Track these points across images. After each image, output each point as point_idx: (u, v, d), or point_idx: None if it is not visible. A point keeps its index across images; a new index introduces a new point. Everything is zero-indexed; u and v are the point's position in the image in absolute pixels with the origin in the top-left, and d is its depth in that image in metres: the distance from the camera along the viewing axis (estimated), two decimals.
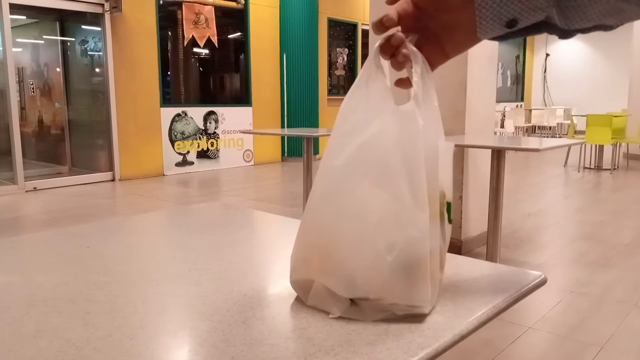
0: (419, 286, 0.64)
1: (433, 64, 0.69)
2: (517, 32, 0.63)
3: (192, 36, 8.06)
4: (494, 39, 0.66)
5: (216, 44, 8.36)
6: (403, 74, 0.69)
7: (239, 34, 8.88)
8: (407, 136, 0.65)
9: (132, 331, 0.58)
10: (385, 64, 0.67)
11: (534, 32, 0.66)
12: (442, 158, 0.69)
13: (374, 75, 0.67)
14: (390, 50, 0.66)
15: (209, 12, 8.16)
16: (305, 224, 0.68)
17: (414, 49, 0.67)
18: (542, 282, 0.75)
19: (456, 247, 3.71)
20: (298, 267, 0.69)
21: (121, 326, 0.60)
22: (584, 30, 0.65)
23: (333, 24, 10.06)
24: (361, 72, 0.67)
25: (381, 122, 0.65)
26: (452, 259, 0.83)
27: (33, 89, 8.47)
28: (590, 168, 8.10)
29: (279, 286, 0.74)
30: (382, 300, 0.63)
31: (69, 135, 8.06)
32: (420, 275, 0.64)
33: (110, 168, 7.31)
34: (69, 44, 8.00)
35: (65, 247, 0.93)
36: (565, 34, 0.65)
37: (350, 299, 0.64)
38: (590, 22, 0.62)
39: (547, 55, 16.47)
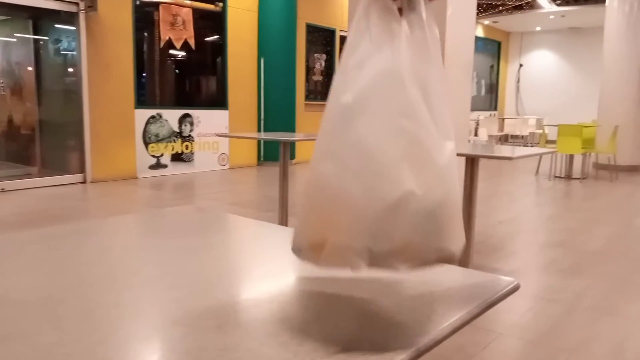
0: (451, 226, 0.59)
1: None
2: None
3: (169, 38, 7.99)
4: None
5: (193, 46, 8.30)
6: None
7: (216, 36, 8.83)
8: (421, 62, 0.61)
9: (104, 336, 0.57)
10: None
11: None
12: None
13: (374, 3, 0.62)
14: None
15: (186, 14, 8.10)
16: (314, 180, 0.62)
17: None
18: (515, 289, 0.76)
19: None
20: (304, 231, 0.64)
21: (92, 331, 0.58)
22: None
23: (311, 29, 10.08)
24: (359, 8, 0.64)
25: (392, 50, 0.61)
26: None
27: (3, 87, 8.28)
28: (560, 177, 8.26)
29: (255, 291, 0.74)
30: (410, 248, 0.58)
31: (39, 135, 7.89)
32: (453, 213, 0.59)
33: (82, 170, 7.17)
34: (42, 42, 7.84)
35: (35, 250, 0.91)
36: None
37: (371, 254, 0.58)
38: None
39: (521, 65, 16.79)
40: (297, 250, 0.66)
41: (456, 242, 0.59)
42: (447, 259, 0.60)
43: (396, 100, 0.60)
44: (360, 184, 0.58)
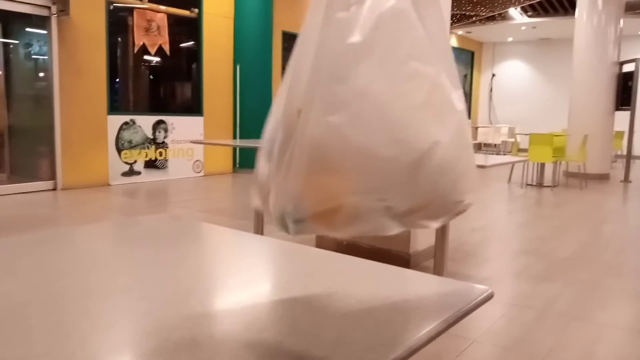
0: (470, 175, 0.56)
1: None
2: None
3: (143, 43, 7.90)
4: None
5: (168, 52, 8.23)
6: None
7: (191, 42, 8.77)
8: (422, 2, 0.57)
9: (73, 349, 0.56)
10: None
11: None
12: None
13: None
14: None
15: (161, 20, 8.03)
16: (322, 135, 0.54)
17: None
18: (489, 297, 0.76)
19: (404, 260, 3.77)
20: (309, 198, 0.55)
21: (62, 343, 0.57)
22: None
23: (288, 37, 10.10)
24: None
25: None
26: (402, 274, 0.84)
27: None
28: (532, 185, 8.42)
29: (229, 301, 0.73)
30: (433, 203, 0.54)
31: (8, 141, 7.71)
32: (471, 161, 0.56)
33: (52, 176, 7.02)
34: (11, 46, 7.68)
35: (1, 259, 0.88)
36: None
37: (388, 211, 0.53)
38: None
39: (493, 75, 17.10)
40: (298, 221, 0.57)
41: (473, 191, 0.56)
42: (464, 211, 0.57)
43: (407, 42, 0.55)
44: (383, 135, 0.53)
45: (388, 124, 0.53)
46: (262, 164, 0.67)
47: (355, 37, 0.54)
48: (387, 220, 0.55)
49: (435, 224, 0.58)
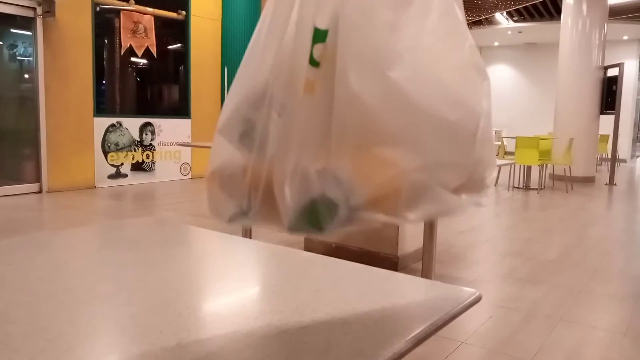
0: (493, 147, 0.51)
1: None
2: None
3: (130, 45, 7.85)
4: None
5: (155, 54, 8.19)
6: None
7: (179, 45, 8.73)
8: None
9: (57, 355, 0.55)
10: None
11: None
12: None
13: None
14: None
15: (148, 22, 7.99)
16: (384, 93, 0.44)
17: None
18: (477, 300, 0.77)
19: (392, 263, 3.77)
20: (364, 179, 0.45)
21: (45, 350, 0.56)
22: None
23: None
24: None
25: None
26: (390, 276, 0.83)
27: None
28: (519, 187, 8.48)
29: (216, 306, 0.72)
30: (474, 176, 0.49)
31: None
32: (492, 134, 0.51)
33: (38, 179, 6.94)
34: None
35: None
36: None
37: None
38: None
39: None
40: (353, 209, 0.45)
41: (493, 168, 0.50)
42: (488, 188, 0.50)
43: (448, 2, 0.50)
44: (443, 95, 0.45)
45: (445, 83, 0.46)
46: (227, 150, 0.57)
47: None
48: (452, 197, 0.47)
49: (474, 202, 0.51)
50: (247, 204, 0.55)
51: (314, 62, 0.50)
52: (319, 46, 0.50)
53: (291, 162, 0.48)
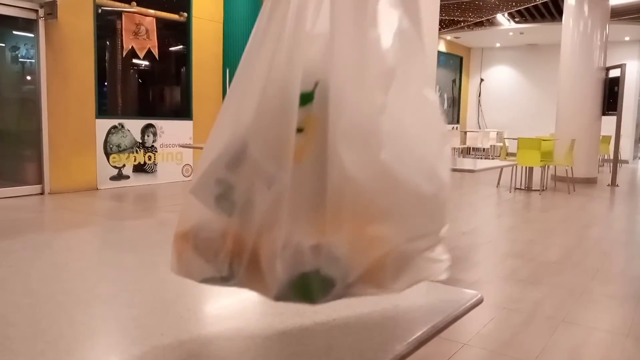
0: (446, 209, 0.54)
1: None
2: None
3: (132, 47, 7.86)
4: None
5: (157, 56, 8.20)
6: None
7: (180, 46, 8.74)
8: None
9: (57, 357, 0.55)
10: None
11: None
12: None
13: None
14: None
15: (150, 24, 8.00)
16: (376, 174, 0.46)
17: None
18: (479, 302, 0.76)
19: None
20: (357, 255, 0.46)
21: (44, 352, 0.56)
22: None
23: None
24: None
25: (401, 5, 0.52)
26: None
27: None
28: (520, 189, 8.47)
29: (217, 307, 0.72)
30: (434, 235, 0.52)
31: None
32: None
33: (40, 181, 6.95)
34: None
35: None
36: None
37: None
38: None
39: (482, 80, 17.21)
40: (348, 285, 0.47)
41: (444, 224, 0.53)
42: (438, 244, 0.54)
43: (417, 66, 0.51)
44: (422, 170, 0.48)
45: (423, 158, 0.49)
46: (201, 211, 0.55)
47: (389, 60, 0.49)
48: (429, 264, 0.51)
49: (444, 257, 0.55)
50: (229, 271, 0.53)
51: (298, 129, 0.50)
52: (300, 110, 0.50)
53: (282, 235, 0.48)
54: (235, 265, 0.53)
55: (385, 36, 0.51)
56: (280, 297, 0.51)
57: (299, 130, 0.50)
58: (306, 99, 0.50)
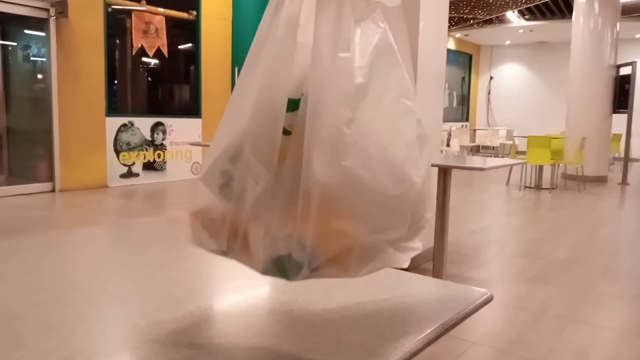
0: (430, 193, 0.63)
1: None
2: None
3: (141, 45, 7.90)
4: None
5: (166, 54, 8.23)
6: None
7: (189, 45, 8.77)
8: (396, 37, 0.61)
9: (70, 353, 0.55)
10: None
11: None
12: None
13: None
14: None
15: (159, 22, 8.03)
16: (340, 179, 0.54)
17: None
18: (489, 300, 0.76)
19: None
20: (321, 243, 0.55)
21: (57, 348, 0.56)
22: None
23: None
24: None
25: (378, 20, 0.59)
26: (401, 276, 0.83)
27: None
28: (530, 187, 8.42)
29: (227, 304, 0.72)
30: (412, 229, 0.60)
31: (7, 143, 7.69)
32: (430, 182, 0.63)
33: (51, 178, 7.01)
34: (10, 48, 7.67)
35: None
36: None
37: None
38: None
39: (491, 78, 17.12)
40: (313, 269, 0.56)
41: (430, 209, 0.61)
42: (421, 232, 0.62)
43: (395, 79, 0.58)
44: (390, 175, 0.56)
45: (392, 162, 0.56)
46: (208, 197, 0.65)
47: (359, 78, 0.55)
48: (394, 253, 0.59)
49: (415, 245, 0.63)
50: (227, 246, 0.64)
51: (285, 131, 0.58)
52: (290, 115, 0.58)
53: (264, 224, 0.58)
54: (231, 242, 0.63)
55: (361, 54, 0.58)
56: (265, 272, 0.60)
57: (287, 132, 0.58)
58: (294, 105, 0.58)
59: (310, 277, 0.57)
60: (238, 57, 9.11)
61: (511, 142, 9.28)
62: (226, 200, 0.62)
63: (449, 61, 14.14)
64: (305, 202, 0.55)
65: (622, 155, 10.01)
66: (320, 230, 0.54)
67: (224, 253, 0.65)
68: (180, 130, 8.45)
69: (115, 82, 7.88)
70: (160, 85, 8.96)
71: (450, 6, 8.22)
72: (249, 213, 0.59)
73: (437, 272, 3.23)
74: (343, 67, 0.55)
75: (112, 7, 7.46)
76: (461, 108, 16.80)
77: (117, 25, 7.67)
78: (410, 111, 0.58)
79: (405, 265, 0.60)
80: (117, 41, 7.81)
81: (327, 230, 0.54)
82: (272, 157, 0.57)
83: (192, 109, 8.81)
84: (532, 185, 8.47)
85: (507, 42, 16.48)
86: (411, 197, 0.58)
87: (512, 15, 12.99)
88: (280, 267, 0.58)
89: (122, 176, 7.72)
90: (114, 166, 7.59)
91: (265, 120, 0.58)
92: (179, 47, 8.75)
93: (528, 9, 12.21)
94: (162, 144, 8.22)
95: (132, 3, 7.69)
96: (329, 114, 0.55)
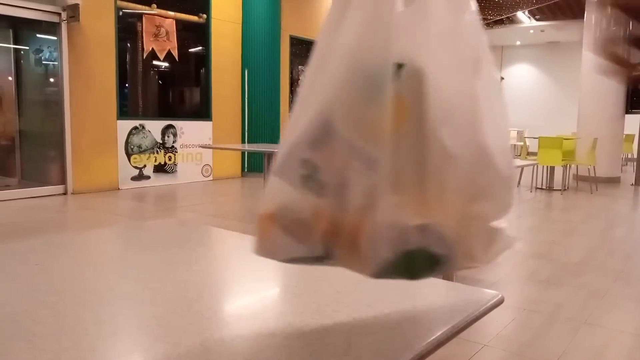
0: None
1: None
2: None
3: (152, 49, 7.95)
4: None
5: (177, 57, 8.27)
6: None
7: (200, 48, 8.81)
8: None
9: (82, 354, 0.56)
10: None
11: None
12: None
13: None
14: None
15: (169, 25, 8.08)
16: (471, 151, 0.49)
17: None
18: (500, 302, 0.76)
19: None
20: (460, 234, 0.49)
21: (69, 349, 0.57)
22: None
23: (295, 41, 10.12)
24: None
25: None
26: None
27: None
28: (541, 188, 8.36)
29: (238, 306, 0.73)
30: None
31: (19, 146, 7.77)
32: None
33: (63, 181, 7.07)
34: (22, 52, 7.76)
35: (11, 264, 0.89)
36: None
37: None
38: None
39: (502, 78, 17.04)
40: (453, 263, 0.50)
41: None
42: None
43: (487, 51, 0.55)
44: (506, 153, 0.53)
45: (502, 138, 0.53)
46: (286, 192, 0.55)
47: (476, 50, 0.53)
48: (506, 234, 0.57)
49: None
50: (324, 250, 0.54)
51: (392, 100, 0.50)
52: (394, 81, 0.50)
53: (386, 215, 0.49)
54: (331, 245, 0.53)
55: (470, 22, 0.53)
56: (380, 274, 0.52)
57: (393, 101, 0.50)
58: (398, 70, 0.50)
59: (445, 271, 0.51)
60: (248, 60, 9.14)
61: (522, 143, 9.22)
62: (312, 194, 0.53)
63: None
64: (438, 184, 0.48)
65: (635, 155, 9.90)
66: (458, 215, 0.48)
67: (319, 259, 0.56)
68: (191, 133, 8.49)
69: (127, 85, 7.93)
70: (171, 88, 9.01)
71: None
72: (359, 205, 0.50)
73: (447, 275, 3.21)
74: (465, 31, 0.50)
75: (123, 10, 7.52)
76: None
77: (128, 29, 7.73)
78: (501, 85, 0.56)
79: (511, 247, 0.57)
80: (128, 44, 7.87)
81: (466, 215, 0.49)
82: (382, 134, 0.48)
83: (202, 112, 8.85)
84: (544, 187, 8.41)
85: (518, 43, 16.39)
86: (515, 178, 0.57)
87: (522, 16, 12.92)
88: (407, 266, 0.51)
89: (134, 179, 7.77)
90: (125, 169, 7.64)
91: (363, 92, 0.50)
92: (190, 50, 8.80)
93: (539, 9, 12.14)
94: (172, 146, 8.26)
95: (143, 6, 7.75)
96: (456, 83, 0.49)
